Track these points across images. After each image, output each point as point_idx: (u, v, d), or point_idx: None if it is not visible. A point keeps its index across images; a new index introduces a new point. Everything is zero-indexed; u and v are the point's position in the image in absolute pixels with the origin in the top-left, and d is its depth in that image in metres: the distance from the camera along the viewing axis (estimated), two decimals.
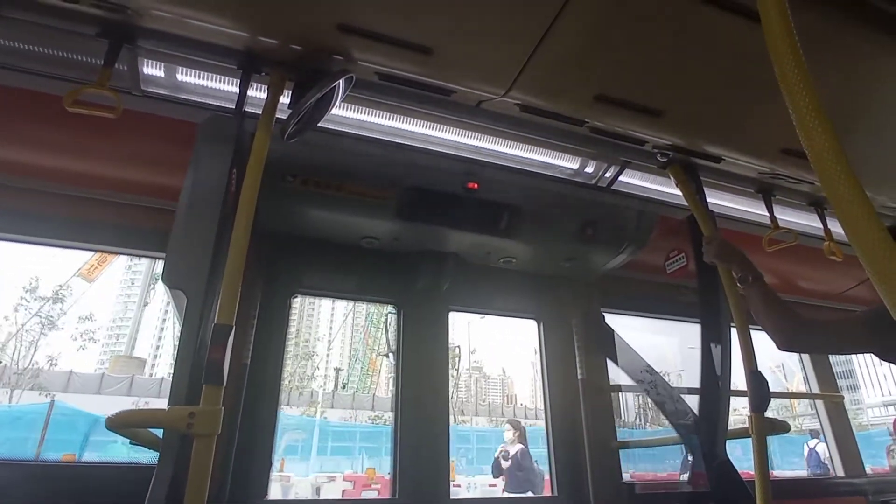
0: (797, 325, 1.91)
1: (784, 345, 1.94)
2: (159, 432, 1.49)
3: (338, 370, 50.48)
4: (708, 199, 2.35)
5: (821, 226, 2.69)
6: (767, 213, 2.57)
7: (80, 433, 15.43)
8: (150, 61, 1.78)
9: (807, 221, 2.83)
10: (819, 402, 3.77)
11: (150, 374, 52.38)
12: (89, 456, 14.96)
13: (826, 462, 10.82)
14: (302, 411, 31.45)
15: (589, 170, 2.48)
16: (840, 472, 3.50)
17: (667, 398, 2.76)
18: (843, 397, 3.76)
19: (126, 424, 1.49)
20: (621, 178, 2.48)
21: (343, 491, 14.63)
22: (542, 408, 2.99)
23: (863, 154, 2.14)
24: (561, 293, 3.09)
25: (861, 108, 1.92)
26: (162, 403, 1.46)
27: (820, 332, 1.95)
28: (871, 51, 1.63)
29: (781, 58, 0.82)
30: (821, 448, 11.81)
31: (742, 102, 1.91)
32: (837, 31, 1.55)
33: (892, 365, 1.94)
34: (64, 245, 2.44)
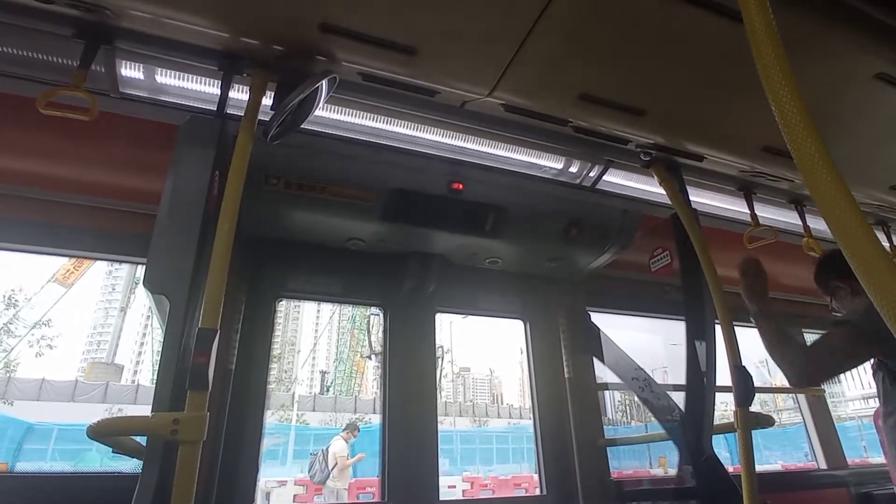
0: (805, 360, 1.99)
1: (797, 381, 2.03)
2: (143, 439, 1.46)
3: (323, 373, 50.26)
4: (691, 198, 2.37)
5: (799, 222, 2.73)
6: (748, 211, 2.61)
7: (12, 441, 15.19)
8: (128, 62, 1.74)
9: (785, 218, 2.88)
10: (801, 396, 3.83)
11: (133, 381, 51.52)
12: (25, 465, 14.87)
13: None
14: (280, 416, 31.23)
15: (573, 169, 2.49)
16: (823, 465, 3.56)
17: (653, 395, 2.78)
18: (824, 391, 3.83)
19: (108, 433, 1.44)
20: (605, 177, 2.49)
21: (294, 495, 14.44)
22: (529, 407, 3.00)
23: (840, 152, 2.18)
24: (547, 293, 3.10)
25: (838, 107, 1.96)
26: (137, 409, 1.42)
27: (826, 359, 2.01)
28: (847, 49, 1.66)
29: (764, 57, 0.83)
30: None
31: (723, 101, 1.93)
32: (817, 30, 1.57)
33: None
34: (41, 251, 2.38)
